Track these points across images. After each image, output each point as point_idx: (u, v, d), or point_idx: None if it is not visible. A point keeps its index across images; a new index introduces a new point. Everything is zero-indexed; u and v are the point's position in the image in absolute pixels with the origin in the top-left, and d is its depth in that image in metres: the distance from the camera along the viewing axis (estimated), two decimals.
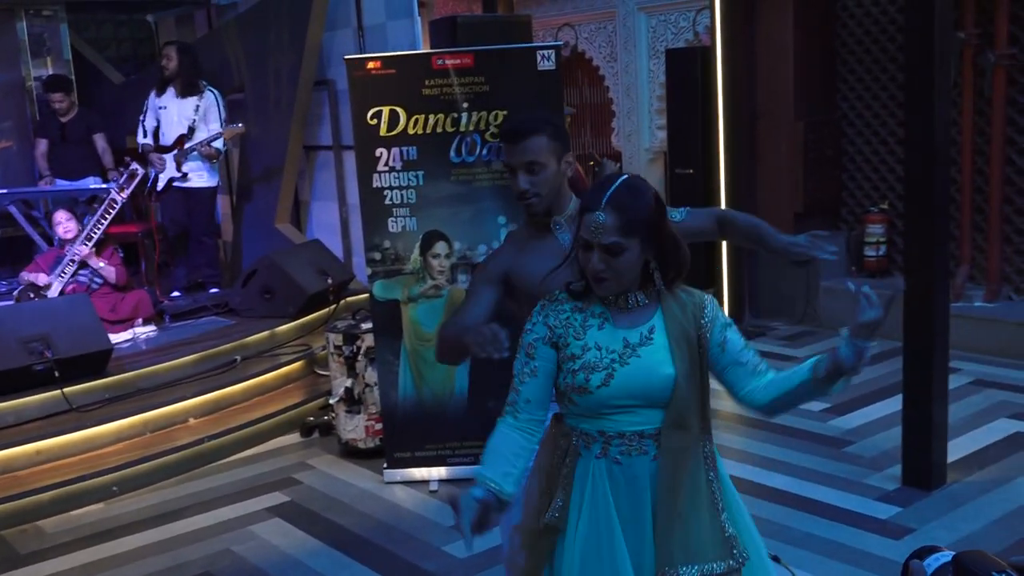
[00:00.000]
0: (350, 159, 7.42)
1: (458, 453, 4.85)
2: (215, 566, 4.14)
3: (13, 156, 8.72)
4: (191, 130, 7.23)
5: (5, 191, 7.74)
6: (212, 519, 4.63)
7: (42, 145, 7.95)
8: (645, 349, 2.21)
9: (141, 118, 7.38)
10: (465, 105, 4.67)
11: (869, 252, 7.09)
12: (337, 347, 5.21)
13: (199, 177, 7.31)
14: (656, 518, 2.20)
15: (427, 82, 4.68)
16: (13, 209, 7.53)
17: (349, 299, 6.93)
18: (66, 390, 5.22)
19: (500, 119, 4.65)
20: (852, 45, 7.19)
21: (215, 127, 7.23)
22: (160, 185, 7.27)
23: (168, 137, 7.28)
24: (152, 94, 7.35)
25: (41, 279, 6.52)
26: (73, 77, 8.55)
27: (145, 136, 7.34)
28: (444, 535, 4.27)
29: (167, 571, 4.12)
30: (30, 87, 8.58)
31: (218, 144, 7.20)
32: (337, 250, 7.52)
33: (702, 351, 2.25)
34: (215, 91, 7.31)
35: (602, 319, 2.25)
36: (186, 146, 7.20)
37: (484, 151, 4.69)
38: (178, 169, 7.23)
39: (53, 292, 6.47)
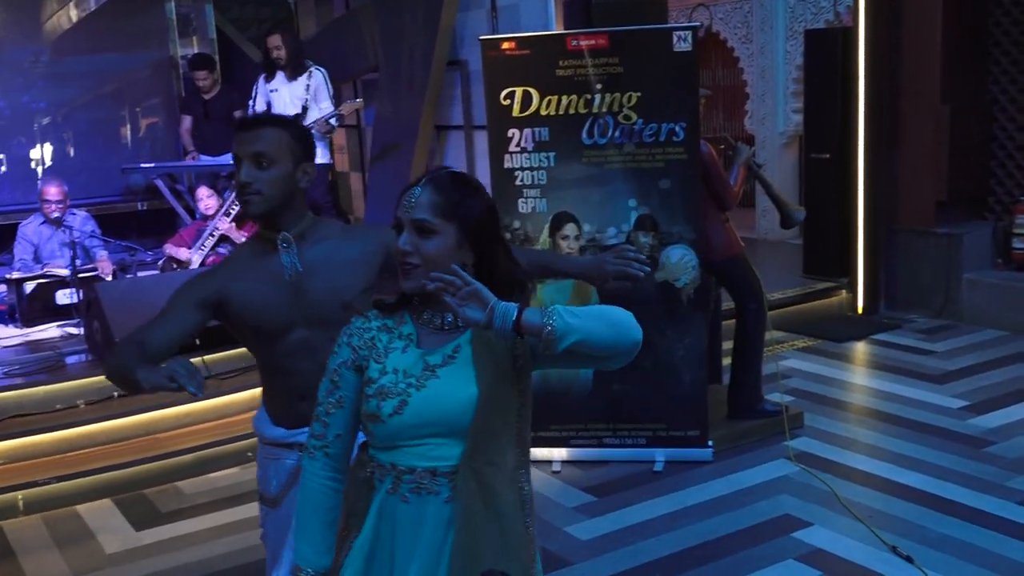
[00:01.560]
0: (480, 139, 7.48)
1: (581, 435, 4.85)
2: None
3: (160, 132, 9.12)
4: (304, 109, 7.41)
5: (153, 165, 8.11)
6: None
7: (187, 121, 8.27)
8: (446, 369, 1.93)
9: (251, 103, 7.58)
10: (599, 86, 4.64)
11: (1017, 244, 6.76)
12: None
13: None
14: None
15: (561, 63, 4.66)
16: (160, 183, 7.87)
17: None
18: (206, 358, 5.44)
19: (634, 101, 4.61)
20: (1007, 25, 6.84)
21: (325, 105, 7.39)
22: None
23: None
24: (260, 80, 7.52)
25: (183, 254, 6.80)
26: (216, 56, 8.85)
27: None
28: (567, 516, 4.28)
29: None
30: (177, 65, 8.93)
31: (333, 120, 7.38)
32: None
33: (519, 365, 1.94)
34: (321, 69, 7.45)
35: (407, 341, 1.98)
36: None
37: (616, 133, 4.65)
38: None
39: (196, 262, 6.74)
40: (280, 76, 7.41)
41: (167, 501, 4.71)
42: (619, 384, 4.77)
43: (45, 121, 8.76)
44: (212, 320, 2.45)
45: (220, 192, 7.38)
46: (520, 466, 2.00)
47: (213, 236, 6.79)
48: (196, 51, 8.83)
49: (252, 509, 4.52)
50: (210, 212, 6.88)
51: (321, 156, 7.55)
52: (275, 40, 7.28)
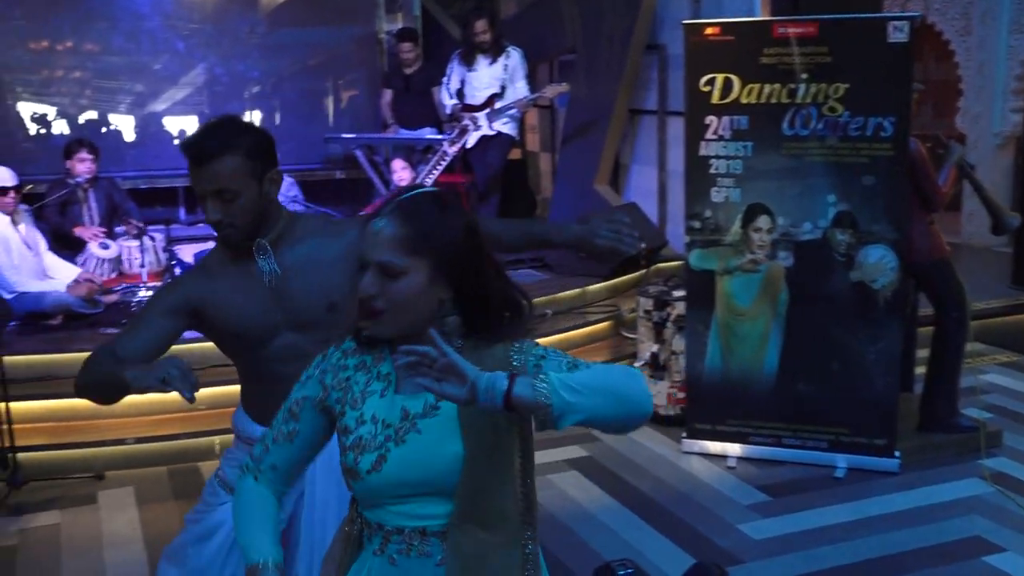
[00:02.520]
0: (674, 125, 7.38)
1: (760, 432, 4.74)
2: None
3: (361, 104, 9.43)
4: (503, 89, 7.49)
5: (353, 136, 8.41)
6: None
7: (387, 95, 8.53)
8: (428, 421, 1.70)
9: (445, 81, 7.70)
10: (804, 76, 4.49)
11: None
12: (647, 312, 5.23)
13: (504, 128, 7.59)
14: None
15: (765, 51, 4.54)
16: (359, 153, 8.16)
17: (660, 265, 6.93)
18: None
19: (841, 92, 4.44)
20: None
21: (521, 85, 7.46)
22: (471, 143, 7.58)
23: (477, 97, 7.56)
24: (455, 59, 7.63)
25: None
26: (420, 32, 9.08)
27: (451, 98, 7.67)
28: (740, 513, 4.20)
29: None
30: (381, 40, 9.22)
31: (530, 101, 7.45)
32: (653, 215, 7.53)
33: (515, 416, 1.66)
34: (518, 49, 7.50)
35: (385, 383, 1.75)
36: (497, 105, 7.47)
37: (820, 125, 4.50)
38: (490, 127, 7.52)
39: None
40: (479, 58, 7.52)
41: None
42: (804, 384, 4.64)
43: (256, 89, 9.21)
44: (190, 328, 2.36)
45: (414, 166, 7.59)
46: (524, 522, 1.77)
47: None
48: (400, 27, 9.08)
49: None
50: (403, 184, 7.08)
51: (510, 130, 7.63)
52: (482, 24, 7.38)
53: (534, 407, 1.53)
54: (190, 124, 8.91)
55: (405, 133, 8.34)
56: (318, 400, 1.80)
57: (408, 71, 8.33)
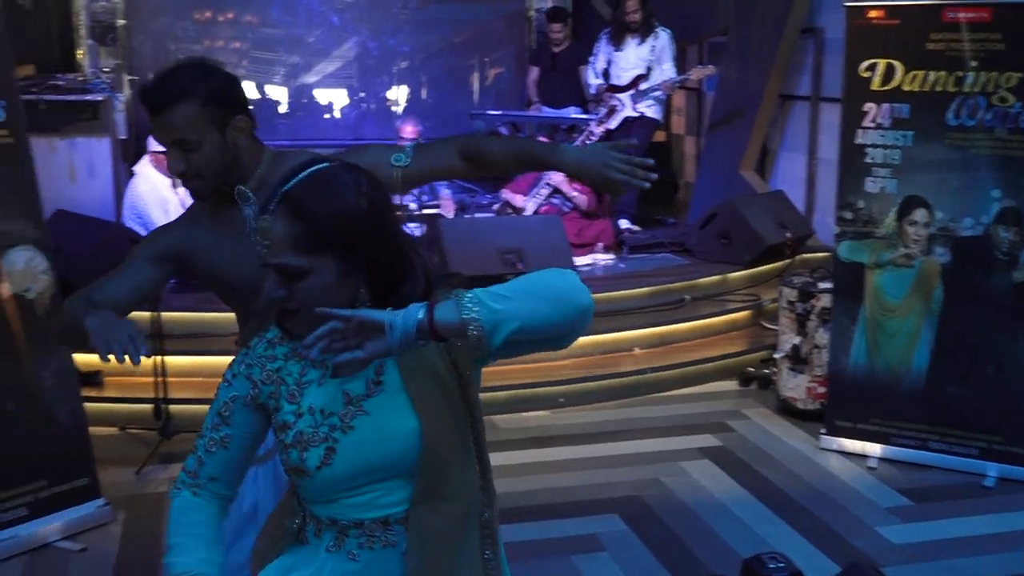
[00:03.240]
0: (827, 112, 7.14)
1: (903, 433, 4.56)
2: (644, 492, 4.28)
3: (506, 81, 9.48)
4: (648, 70, 7.39)
5: (499, 113, 8.46)
6: (645, 447, 4.79)
7: (534, 73, 8.54)
8: (373, 401, 1.60)
9: (592, 60, 7.65)
10: (974, 64, 4.27)
11: None
12: (790, 302, 5.10)
13: (648, 110, 7.48)
14: None
15: (932, 36, 4.34)
16: (503, 131, 8.20)
17: (805, 255, 6.74)
18: None
19: (1013, 82, 4.21)
20: None
21: (667, 66, 7.35)
22: (614, 124, 7.50)
23: (622, 78, 7.48)
24: (603, 38, 7.56)
25: (517, 200, 7.07)
26: (570, 10, 9.05)
27: (597, 77, 7.60)
28: (879, 516, 4.06)
29: (599, 486, 4.34)
30: (531, 17, 9.23)
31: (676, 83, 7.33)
32: (799, 204, 7.32)
33: (463, 379, 1.61)
34: (667, 30, 7.38)
35: (323, 369, 1.63)
36: (641, 86, 7.37)
37: (988, 116, 4.27)
38: (634, 108, 7.43)
39: (528, 209, 6.98)
40: (628, 38, 7.44)
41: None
42: (955, 387, 4.44)
43: (404, 64, 9.37)
44: (174, 276, 2.30)
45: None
46: (483, 487, 1.69)
47: (548, 186, 7.00)
48: (551, 5, 9.07)
49: (558, 453, 4.71)
50: None
51: (654, 113, 7.54)
52: (633, 4, 7.30)
53: (462, 325, 1.42)
54: (340, 96, 9.14)
55: (549, 111, 8.34)
56: (249, 398, 1.66)
57: (556, 49, 8.32)
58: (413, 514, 1.59)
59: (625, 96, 7.43)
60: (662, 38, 7.38)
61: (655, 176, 2.20)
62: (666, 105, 7.98)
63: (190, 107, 2.07)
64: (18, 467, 3.69)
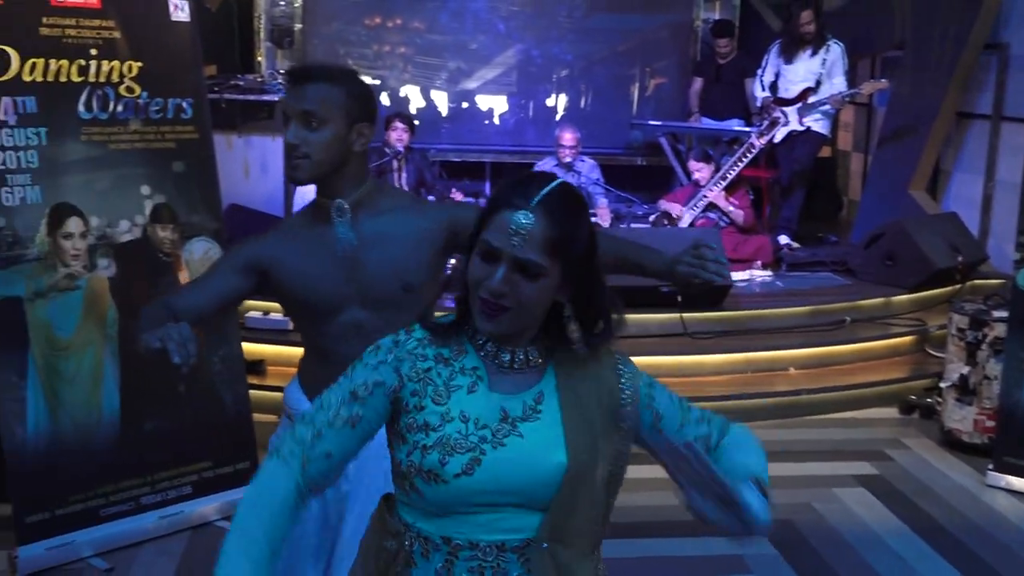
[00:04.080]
0: (1010, 132, 6.82)
1: None
2: (794, 516, 4.15)
3: (667, 92, 9.38)
4: (818, 83, 7.17)
5: (660, 123, 8.40)
6: (797, 470, 4.65)
7: (697, 84, 8.44)
8: (529, 425, 1.56)
9: (760, 72, 7.48)
10: None
11: None
12: (960, 330, 4.86)
13: (816, 124, 7.27)
14: None
15: None
16: (663, 141, 8.14)
17: (977, 282, 6.44)
18: (684, 315, 5.56)
19: None
20: None
21: (838, 80, 7.13)
22: (779, 137, 7.31)
23: (791, 91, 7.28)
24: (773, 50, 7.40)
25: (675, 209, 7.00)
26: (737, 22, 8.90)
27: (763, 90, 7.42)
28: None
29: None
30: (697, 28, 9.11)
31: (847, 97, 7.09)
32: (973, 227, 6.98)
33: (620, 437, 1.61)
34: (840, 43, 7.15)
35: (474, 378, 1.59)
36: (810, 100, 7.16)
37: None
38: (800, 122, 7.22)
39: (684, 222, 6.90)
40: (799, 50, 7.25)
41: None
42: None
43: (564, 73, 9.39)
44: (257, 289, 2.25)
45: (719, 157, 7.46)
46: (598, 546, 1.67)
47: (706, 197, 6.91)
48: (718, 16, 8.94)
49: None
50: (703, 182, 7.00)
51: (822, 127, 7.33)
52: (807, 16, 7.13)
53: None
54: (501, 103, 9.24)
55: (710, 123, 8.22)
56: (391, 389, 1.59)
57: (722, 61, 8.20)
58: (535, 549, 1.56)
59: (791, 110, 7.25)
60: (834, 51, 7.17)
61: (726, 275, 2.21)
62: (833, 120, 7.74)
63: (332, 89, 2.13)
64: (186, 447, 3.88)
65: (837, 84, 7.16)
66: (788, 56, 7.27)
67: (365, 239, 2.18)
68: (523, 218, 1.51)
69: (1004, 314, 4.64)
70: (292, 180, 2.21)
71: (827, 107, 7.19)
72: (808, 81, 7.22)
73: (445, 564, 1.55)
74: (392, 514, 1.62)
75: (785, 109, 7.26)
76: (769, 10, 9.17)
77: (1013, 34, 6.87)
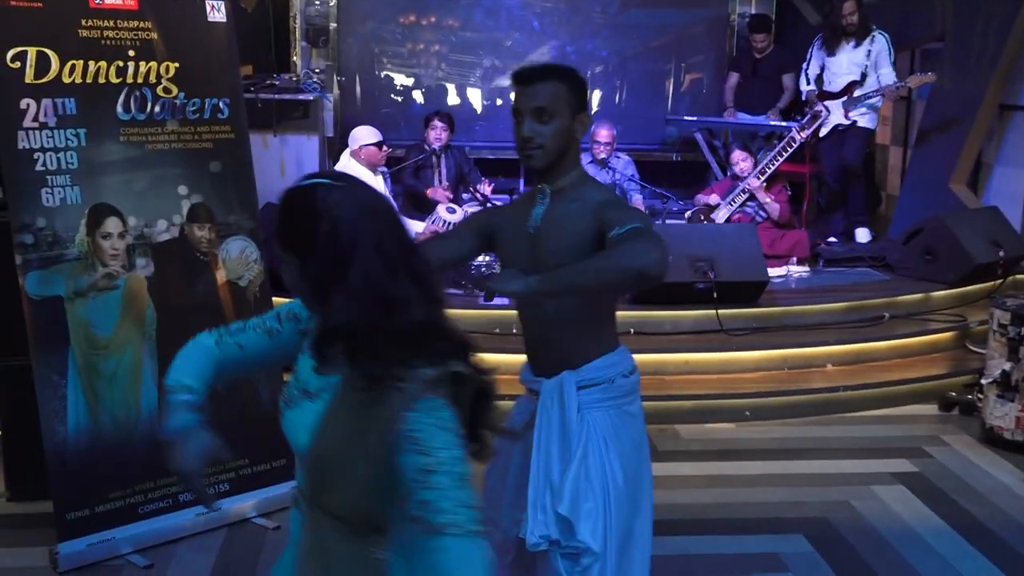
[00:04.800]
0: None
1: None
2: (832, 514, 4.12)
3: (703, 87, 9.33)
4: (863, 76, 7.07)
5: (695, 119, 8.34)
6: (834, 467, 4.61)
7: (733, 79, 8.37)
8: (308, 403, 1.70)
9: (804, 66, 7.40)
10: None
11: None
12: (1002, 325, 4.79)
13: (862, 118, 7.17)
14: None
15: None
16: (699, 136, 8.09)
17: (1019, 276, 6.34)
18: (720, 312, 5.53)
19: None
20: None
21: (885, 71, 7.03)
22: (824, 131, 7.23)
23: (835, 84, 7.19)
24: (817, 43, 7.31)
25: (713, 198, 6.96)
26: (773, 16, 8.82)
27: (808, 83, 7.33)
28: None
29: (786, 505, 4.21)
30: (733, 22, 9.05)
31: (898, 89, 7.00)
32: (1015, 221, 6.87)
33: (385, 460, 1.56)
34: (885, 35, 7.05)
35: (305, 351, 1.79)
36: (856, 93, 7.07)
37: None
38: (846, 116, 7.13)
39: (720, 217, 6.85)
40: (843, 42, 7.17)
41: (665, 441, 4.90)
42: None
43: (599, 69, 9.36)
44: (483, 250, 2.61)
45: (756, 151, 7.40)
46: (383, 535, 1.62)
47: (744, 193, 6.86)
48: (754, 11, 8.86)
49: (743, 467, 4.60)
50: (744, 174, 6.95)
51: (869, 122, 7.25)
52: (850, 7, 7.04)
53: None
54: None
55: (746, 118, 8.16)
56: (302, 329, 1.84)
57: (758, 56, 8.14)
58: (302, 499, 1.75)
59: (836, 103, 7.17)
60: (879, 42, 7.06)
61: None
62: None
63: (558, 86, 2.38)
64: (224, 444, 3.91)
65: (885, 76, 7.04)
66: (830, 48, 7.18)
67: (548, 221, 2.45)
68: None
69: None
70: (529, 168, 2.46)
71: (875, 100, 7.09)
72: (853, 74, 7.12)
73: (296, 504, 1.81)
74: None
75: (828, 103, 7.17)
76: (807, 4, 9.07)
77: None
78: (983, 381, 4.91)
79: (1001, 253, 6.17)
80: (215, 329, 1.94)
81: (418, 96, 9.13)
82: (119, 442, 3.66)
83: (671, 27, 9.29)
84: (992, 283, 6.17)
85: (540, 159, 2.40)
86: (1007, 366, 4.74)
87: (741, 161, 6.97)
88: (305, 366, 1.73)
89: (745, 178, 6.90)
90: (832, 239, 7.42)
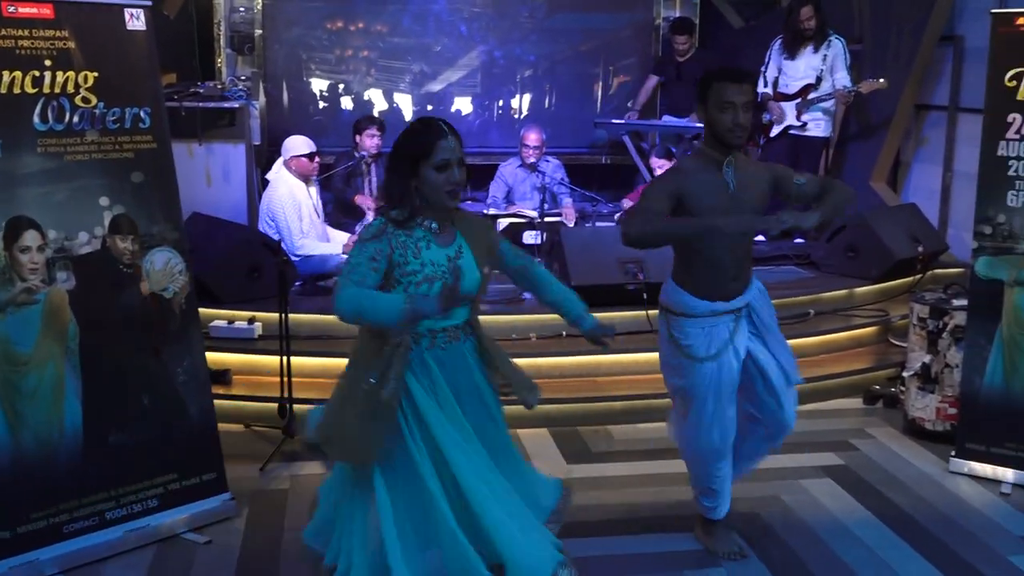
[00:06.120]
0: (966, 122, 6.90)
1: None
2: (763, 509, 4.19)
3: (631, 89, 9.40)
4: (818, 80, 7.18)
5: (623, 122, 8.42)
6: (764, 463, 4.59)
7: (651, 81, 8.50)
8: (460, 260, 2.86)
9: (763, 68, 7.43)
10: None
11: None
12: (921, 319, 4.92)
13: (816, 127, 7.26)
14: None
15: None
16: (627, 139, 8.15)
17: (937, 271, 6.51)
18: (650, 312, 5.57)
19: None
20: None
21: (841, 75, 7.10)
22: (774, 132, 7.34)
23: (791, 87, 7.29)
24: (776, 46, 7.36)
25: None
26: (697, 20, 8.94)
27: (766, 86, 7.42)
28: (1014, 544, 3.88)
29: None
30: (658, 26, 9.16)
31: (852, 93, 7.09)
32: (933, 218, 7.06)
33: (492, 257, 3.03)
34: (841, 39, 7.15)
35: (426, 241, 2.84)
36: (810, 96, 7.16)
37: None
38: (798, 118, 7.23)
39: None
40: (801, 46, 7.21)
41: (598, 442, 4.94)
42: None
43: (528, 73, 9.41)
44: (673, 212, 3.28)
45: (680, 155, 7.48)
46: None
47: None
48: (678, 14, 8.98)
49: (675, 465, 4.62)
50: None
51: (824, 130, 7.31)
52: (807, 12, 7.09)
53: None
54: (465, 104, 9.24)
55: (673, 120, 8.26)
56: (387, 254, 2.79)
57: (681, 59, 8.24)
58: (468, 320, 2.94)
59: (790, 105, 7.26)
60: (836, 46, 7.12)
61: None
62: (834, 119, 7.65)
63: (754, 82, 3.14)
64: (151, 459, 3.85)
65: (840, 79, 7.10)
66: (790, 52, 7.23)
67: (740, 182, 3.37)
68: (452, 141, 2.82)
69: (964, 302, 4.71)
70: (735, 146, 3.31)
71: (829, 103, 7.18)
72: (809, 78, 7.19)
73: (430, 343, 2.85)
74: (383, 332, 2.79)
75: (783, 104, 7.26)
76: (730, 7, 9.23)
77: (967, 26, 6.96)
78: (904, 374, 5.04)
79: (920, 249, 6.33)
80: (356, 282, 2.73)
81: (347, 102, 9.08)
82: (42, 460, 3.58)
83: (598, 31, 9.37)
84: (912, 278, 6.33)
85: (743, 138, 3.27)
86: (927, 359, 4.87)
87: (659, 168, 7.07)
88: (433, 254, 2.83)
89: None
90: (761, 238, 7.54)
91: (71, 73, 3.67)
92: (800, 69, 7.21)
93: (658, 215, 3.21)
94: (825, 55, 7.12)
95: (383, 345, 2.77)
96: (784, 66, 7.28)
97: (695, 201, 3.27)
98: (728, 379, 3.49)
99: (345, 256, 6.01)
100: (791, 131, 7.27)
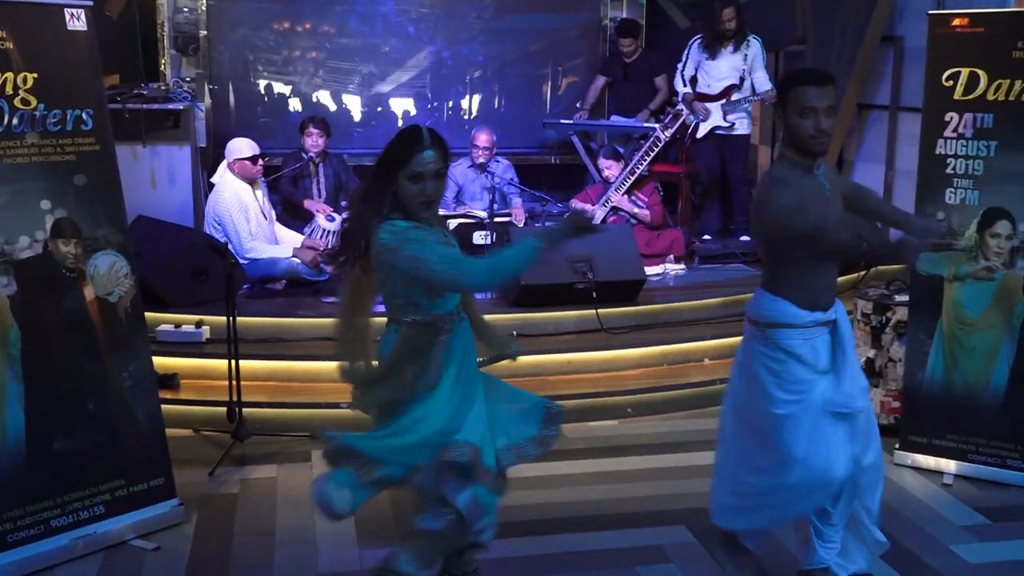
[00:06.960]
0: (907, 121, 7.03)
1: (982, 451, 4.45)
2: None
3: (580, 90, 9.42)
4: (741, 80, 7.28)
5: (571, 122, 8.46)
6: (714, 459, 4.72)
7: (599, 81, 8.54)
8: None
9: (680, 67, 7.53)
10: None
11: None
12: (865, 315, 5.01)
13: (741, 126, 7.38)
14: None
15: (1020, 44, 4.23)
16: (575, 139, 8.19)
17: (881, 267, 6.61)
18: (600, 311, 5.63)
19: None
20: None
21: (760, 75, 7.24)
22: (701, 133, 7.43)
23: (713, 88, 7.38)
24: (693, 45, 7.45)
25: (587, 208, 7.07)
26: (643, 21, 9.01)
27: (684, 85, 7.50)
28: (955, 534, 3.96)
29: (669, 497, 4.30)
30: (605, 27, 9.21)
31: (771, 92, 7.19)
32: None
33: None
34: (759, 39, 7.28)
35: (440, 235, 3.00)
36: (734, 97, 7.27)
37: None
38: (725, 119, 7.33)
39: (595, 220, 6.97)
40: (721, 47, 7.31)
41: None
42: None
43: (477, 74, 9.40)
44: None
45: (628, 155, 7.52)
46: None
47: (609, 203, 7.01)
48: (624, 15, 9.04)
49: (626, 463, 4.68)
50: (613, 180, 7.10)
51: (747, 127, 7.44)
52: (729, 13, 7.19)
53: None
54: (413, 106, 9.22)
55: (621, 120, 8.32)
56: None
57: (628, 60, 8.30)
58: (458, 309, 3.09)
59: (715, 106, 7.34)
60: (754, 47, 7.25)
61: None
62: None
63: (835, 87, 3.10)
64: (97, 466, 3.80)
65: (759, 79, 7.24)
66: (711, 52, 7.32)
67: (831, 187, 3.25)
68: (431, 155, 2.91)
69: (905, 298, 4.80)
70: (819, 152, 3.14)
71: (748, 107, 7.31)
72: (732, 78, 7.29)
73: (449, 326, 3.03)
74: (417, 313, 2.98)
75: (708, 105, 7.35)
76: (676, 8, 9.31)
77: (907, 27, 7.09)
78: None
79: (864, 246, 6.41)
80: (469, 259, 2.92)
81: (295, 104, 9.01)
82: None
83: (546, 31, 9.39)
84: (856, 275, 6.43)
85: (827, 145, 3.14)
86: (871, 353, 4.96)
87: (606, 169, 7.13)
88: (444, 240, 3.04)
89: (615, 182, 7.06)
90: (707, 237, 7.63)
91: (9, 74, 3.61)
92: (723, 69, 7.31)
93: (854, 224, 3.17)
94: (745, 55, 7.23)
95: (424, 344, 2.97)
96: (705, 66, 7.38)
97: (809, 206, 3.05)
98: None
99: (296, 260, 5.99)
100: (718, 131, 7.37)
